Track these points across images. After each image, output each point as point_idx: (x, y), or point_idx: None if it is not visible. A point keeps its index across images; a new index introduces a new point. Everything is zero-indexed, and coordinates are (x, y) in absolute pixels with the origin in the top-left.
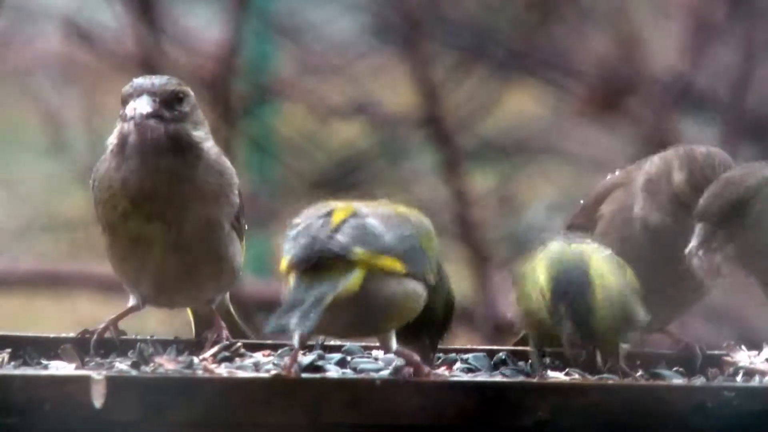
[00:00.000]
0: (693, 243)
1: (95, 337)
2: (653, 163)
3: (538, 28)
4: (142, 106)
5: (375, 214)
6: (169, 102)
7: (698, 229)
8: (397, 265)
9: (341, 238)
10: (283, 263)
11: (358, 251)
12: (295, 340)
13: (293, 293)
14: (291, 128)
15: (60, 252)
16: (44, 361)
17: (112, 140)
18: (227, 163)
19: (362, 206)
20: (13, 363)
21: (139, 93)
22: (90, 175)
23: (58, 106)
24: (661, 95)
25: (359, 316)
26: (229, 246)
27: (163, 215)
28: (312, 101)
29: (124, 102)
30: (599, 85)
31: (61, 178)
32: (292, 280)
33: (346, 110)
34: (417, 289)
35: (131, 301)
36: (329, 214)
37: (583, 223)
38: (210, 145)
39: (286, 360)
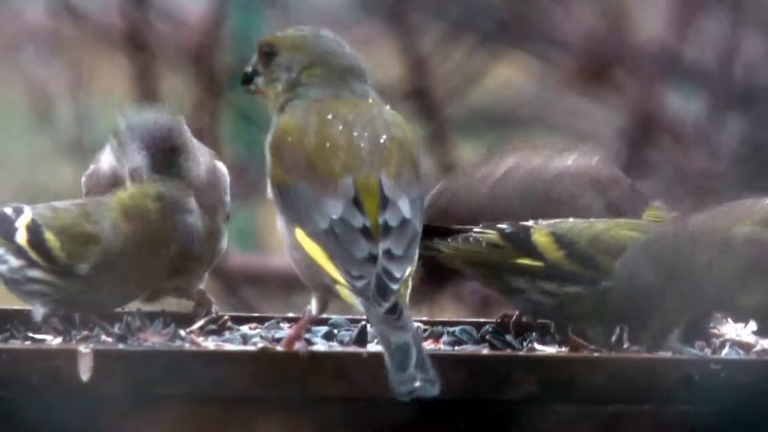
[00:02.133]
0: None
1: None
2: None
3: (525, 0)
4: (145, 170)
5: (398, 186)
6: (169, 158)
7: None
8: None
9: (397, 269)
10: (337, 276)
11: (409, 271)
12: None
13: (384, 332)
14: None
15: None
16: (31, 335)
17: (105, 165)
18: (219, 167)
19: (383, 176)
20: None
21: (140, 147)
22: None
23: (44, 79)
24: (648, 67)
25: None
26: (221, 241)
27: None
28: None
29: (120, 140)
30: (586, 57)
31: (47, 152)
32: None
33: None
34: None
35: None
36: (358, 200)
37: None
38: (200, 170)
39: (291, 332)
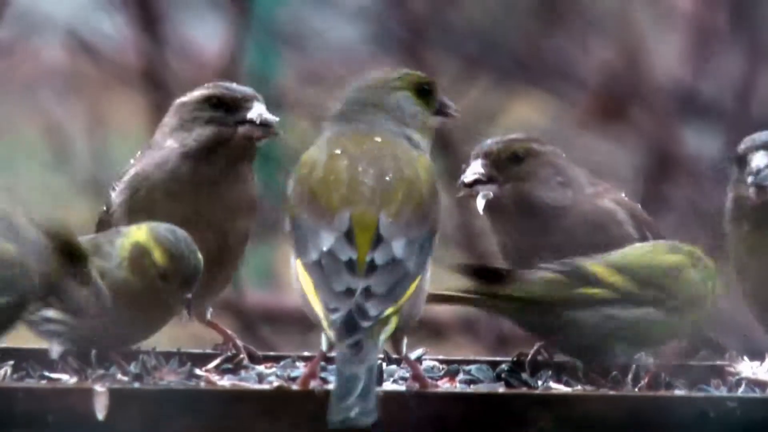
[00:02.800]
0: (756, 165)
1: None
2: None
3: (541, 37)
4: (263, 110)
5: (396, 226)
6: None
7: (760, 155)
8: (417, 282)
9: (374, 307)
10: (318, 308)
11: (390, 310)
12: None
13: (341, 365)
14: (294, 137)
15: None
16: (47, 374)
17: (189, 141)
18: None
19: (383, 214)
20: (15, 376)
21: (252, 98)
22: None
23: (61, 117)
24: (665, 104)
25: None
26: (241, 258)
27: (217, 225)
28: (315, 110)
29: (237, 105)
30: (603, 94)
31: (64, 190)
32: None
33: None
34: (429, 273)
35: None
36: (350, 234)
37: None
38: None
39: (306, 370)
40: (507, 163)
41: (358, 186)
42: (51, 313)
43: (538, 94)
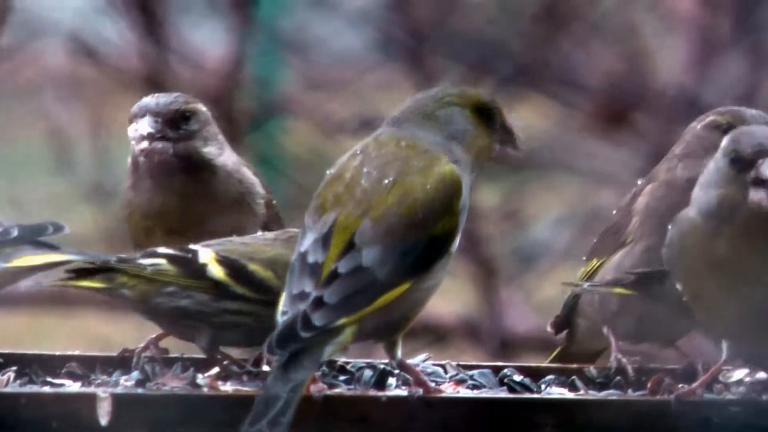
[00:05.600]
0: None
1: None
2: None
3: (545, 43)
4: (144, 127)
5: (376, 233)
6: (173, 121)
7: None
8: (398, 291)
9: (322, 318)
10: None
11: (343, 321)
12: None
13: (270, 381)
14: (297, 144)
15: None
16: (50, 379)
17: (128, 159)
18: (247, 173)
19: (366, 218)
20: (18, 381)
21: (142, 113)
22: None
23: (63, 122)
24: (668, 109)
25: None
26: None
27: (184, 231)
28: (318, 116)
29: (131, 122)
30: (606, 100)
31: (67, 195)
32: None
33: (352, 125)
34: (431, 284)
35: None
36: (328, 237)
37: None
38: (224, 159)
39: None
40: None
41: (354, 188)
42: (233, 305)
43: (541, 99)
